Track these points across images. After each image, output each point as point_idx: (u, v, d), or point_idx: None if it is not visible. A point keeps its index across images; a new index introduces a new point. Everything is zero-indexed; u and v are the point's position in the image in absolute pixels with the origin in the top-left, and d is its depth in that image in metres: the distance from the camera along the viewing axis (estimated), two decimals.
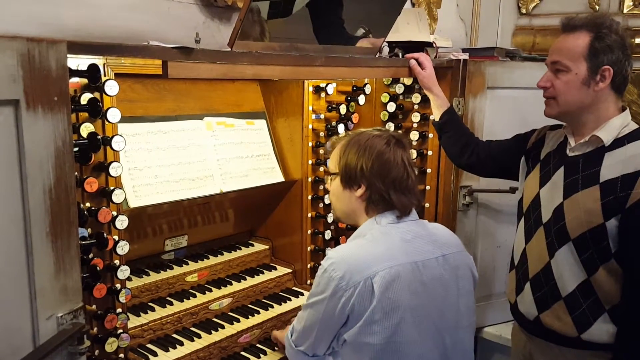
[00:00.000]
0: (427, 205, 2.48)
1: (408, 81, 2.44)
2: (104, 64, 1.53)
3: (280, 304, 2.20)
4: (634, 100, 2.99)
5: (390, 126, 2.52)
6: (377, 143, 1.57)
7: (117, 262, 1.60)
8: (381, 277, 1.44)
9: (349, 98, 2.42)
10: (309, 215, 2.37)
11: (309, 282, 2.41)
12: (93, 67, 1.45)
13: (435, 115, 2.24)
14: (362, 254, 1.50)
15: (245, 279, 2.26)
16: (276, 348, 1.97)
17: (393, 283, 1.45)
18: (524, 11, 3.34)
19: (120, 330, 1.60)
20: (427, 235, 1.60)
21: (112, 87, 1.52)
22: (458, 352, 1.58)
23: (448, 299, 1.56)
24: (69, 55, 1.21)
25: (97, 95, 1.51)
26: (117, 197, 1.56)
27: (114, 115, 1.52)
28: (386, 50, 2.41)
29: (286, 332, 1.73)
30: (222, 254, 2.31)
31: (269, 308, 2.16)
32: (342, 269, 1.44)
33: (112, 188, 1.56)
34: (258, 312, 2.12)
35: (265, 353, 1.97)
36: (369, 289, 1.43)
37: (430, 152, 2.44)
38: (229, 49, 1.67)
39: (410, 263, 1.50)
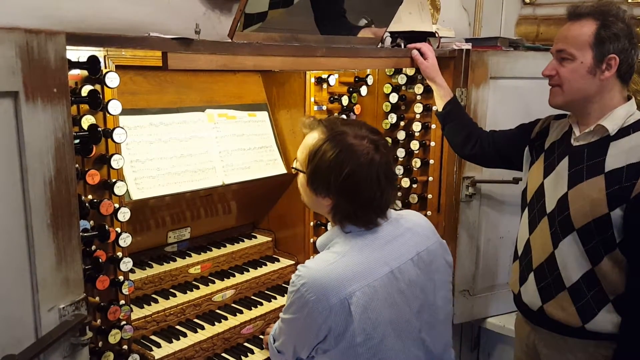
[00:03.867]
0: (429, 196, 2.48)
1: (410, 72, 2.43)
2: (104, 56, 1.52)
3: (283, 296, 2.20)
4: (639, 89, 2.96)
5: (393, 117, 2.51)
6: (355, 153, 1.40)
7: (119, 254, 1.60)
8: (357, 298, 1.35)
9: (351, 89, 2.41)
10: None
11: None
12: (93, 59, 1.44)
13: (438, 105, 2.23)
14: (336, 272, 1.37)
15: (248, 271, 2.26)
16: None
17: (371, 302, 1.37)
18: (527, 1, 3.31)
19: (124, 322, 1.61)
20: (401, 235, 1.50)
21: (112, 79, 1.51)
22: (439, 345, 1.53)
23: (426, 298, 1.50)
24: (68, 47, 1.21)
25: (97, 87, 1.50)
26: (119, 189, 1.56)
27: (115, 107, 1.52)
28: (388, 40, 2.40)
29: (268, 336, 1.68)
30: (225, 246, 2.31)
31: (272, 300, 2.16)
32: (316, 291, 1.34)
33: (114, 180, 1.55)
34: (261, 304, 2.13)
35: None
36: (346, 310, 1.34)
37: (433, 143, 2.43)
38: (229, 40, 1.66)
39: (387, 274, 1.42)
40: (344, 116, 2.38)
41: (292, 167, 1.55)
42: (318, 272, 1.38)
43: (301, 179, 1.53)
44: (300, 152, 1.52)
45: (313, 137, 1.48)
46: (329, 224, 2.40)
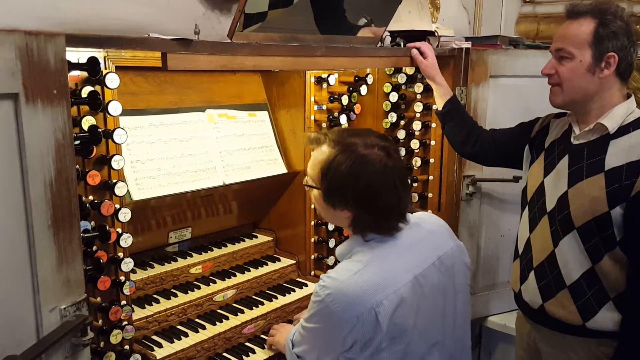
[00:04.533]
0: (430, 195, 2.48)
1: (410, 71, 2.43)
2: (104, 57, 1.53)
3: (284, 295, 2.20)
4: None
5: (393, 116, 2.51)
6: (368, 166, 1.39)
7: (120, 254, 1.60)
8: (385, 307, 1.34)
9: (351, 88, 2.41)
10: (312, 206, 2.37)
11: (312, 273, 2.42)
12: (93, 60, 1.45)
13: (438, 104, 2.23)
14: (361, 281, 1.36)
15: (249, 271, 2.26)
16: (273, 347, 1.92)
17: (398, 308, 1.37)
18: None
19: (125, 322, 1.61)
20: (421, 240, 1.50)
21: (112, 80, 1.51)
22: (458, 348, 1.55)
23: (447, 302, 1.50)
24: (68, 49, 1.21)
25: (98, 88, 1.51)
26: (119, 190, 1.56)
27: (115, 108, 1.52)
28: (388, 39, 2.40)
29: (284, 341, 1.66)
30: (226, 246, 2.32)
31: (273, 299, 2.17)
32: (342, 302, 1.33)
33: (114, 181, 1.56)
34: (262, 303, 2.13)
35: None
36: (373, 319, 1.34)
37: (433, 142, 2.43)
38: (229, 41, 1.67)
39: (410, 281, 1.41)
40: (345, 124, 2.37)
41: (305, 185, 1.54)
42: (343, 283, 1.36)
43: (316, 194, 1.50)
44: (310, 168, 1.50)
45: (322, 152, 1.45)
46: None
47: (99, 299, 1.56)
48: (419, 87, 2.41)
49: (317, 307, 1.39)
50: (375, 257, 1.42)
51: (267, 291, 2.24)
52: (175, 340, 1.84)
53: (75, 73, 1.46)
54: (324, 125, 2.35)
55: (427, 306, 1.44)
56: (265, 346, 1.95)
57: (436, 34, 2.36)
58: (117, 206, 1.57)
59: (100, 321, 1.57)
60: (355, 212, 1.43)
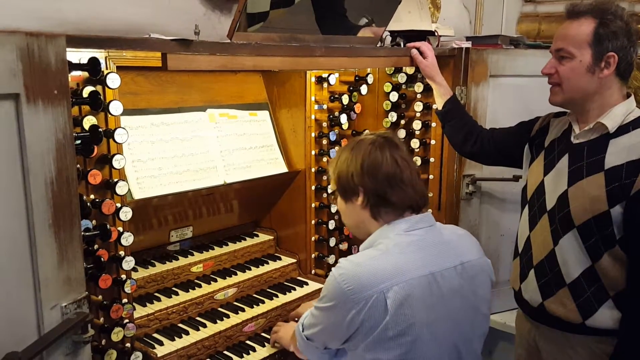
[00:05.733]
0: (430, 194, 2.48)
1: (410, 70, 2.43)
2: (105, 57, 1.54)
3: (285, 294, 2.21)
4: None
5: (393, 116, 2.52)
6: (362, 146, 1.53)
7: (122, 253, 1.62)
8: (395, 292, 1.36)
9: (351, 88, 2.42)
10: (313, 205, 2.38)
11: (313, 271, 2.43)
12: (93, 61, 1.46)
13: (438, 104, 2.23)
14: (375, 266, 1.40)
15: (250, 269, 2.27)
16: (276, 344, 1.94)
17: (408, 298, 1.38)
18: None
19: (127, 320, 1.62)
20: (444, 242, 1.52)
21: (113, 80, 1.52)
22: (470, 358, 1.54)
23: (465, 310, 1.49)
24: (69, 49, 1.23)
25: (99, 88, 1.52)
26: (120, 189, 1.57)
27: (116, 107, 1.53)
28: (389, 39, 2.40)
29: (288, 336, 1.72)
30: (227, 245, 2.33)
31: (274, 298, 2.18)
32: (354, 282, 1.37)
33: (115, 180, 1.57)
34: (263, 302, 2.14)
35: (269, 341, 1.98)
36: (382, 304, 1.36)
37: (433, 142, 2.44)
38: (229, 41, 1.67)
39: (426, 275, 1.42)
40: (345, 123, 2.41)
41: (329, 194, 1.64)
42: (358, 265, 1.42)
43: (339, 202, 1.62)
44: (331, 183, 1.65)
45: (332, 162, 1.63)
46: (331, 221, 2.41)
47: (100, 297, 1.57)
48: (419, 87, 2.42)
49: (330, 287, 1.43)
50: (394, 247, 1.46)
51: (268, 290, 2.25)
52: (176, 338, 1.85)
53: (76, 73, 1.47)
54: (324, 124, 2.36)
55: (444, 307, 1.44)
56: (269, 343, 1.96)
57: (436, 34, 2.36)
58: (118, 205, 1.58)
59: (101, 319, 1.59)
60: (364, 189, 1.51)
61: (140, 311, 1.87)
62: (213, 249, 2.28)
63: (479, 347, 1.57)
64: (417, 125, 2.44)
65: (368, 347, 1.39)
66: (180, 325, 1.95)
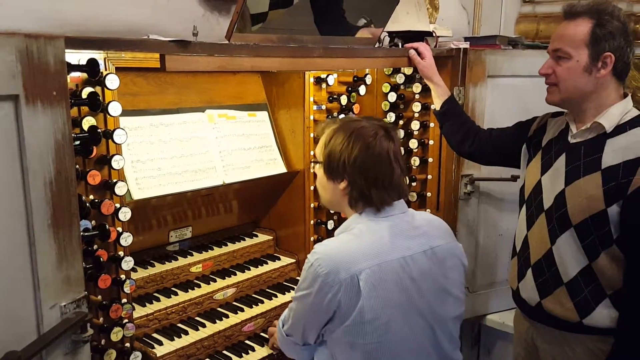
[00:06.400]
0: (429, 194, 2.49)
1: (409, 71, 2.44)
2: (104, 59, 1.54)
3: (284, 294, 2.22)
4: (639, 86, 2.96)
5: (391, 116, 2.53)
6: (364, 134, 1.52)
7: (121, 253, 1.62)
8: (367, 275, 1.42)
9: (349, 89, 2.42)
10: (312, 205, 2.39)
11: None
12: (92, 62, 1.46)
13: (436, 104, 2.24)
14: (348, 249, 1.46)
15: (249, 269, 2.28)
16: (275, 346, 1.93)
17: (380, 282, 1.43)
18: None
19: (126, 320, 1.63)
20: (415, 228, 1.57)
21: (112, 81, 1.53)
22: (447, 341, 1.57)
23: (435, 291, 1.54)
24: (68, 51, 1.23)
25: (98, 89, 1.53)
26: (119, 189, 1.58)
27: (115, 108, 1.54)
28: (387, 40, 2.41)
29: (277, 322, 1.74)
30: (226, 245, 2.34)
31: (273, 297, 2.18)
32: (328, 266, 1.42)
33: (114, 181, 1.58)
34: (262, 302, 2.15)
35: (268, 342, 1.99)
36: (355, 286, 1.41)
37: (431, 142, 2.45)
38: (227, 42, 1.68)
39: (398, 259, 1.48)
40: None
41: (311, 161, 1.66)
42: (332, 249, 1.47)
43: (319, 174, 1.62)
44: (317, 148, 1.64)
45: (327, 133, 1.60)
46: (330, 221, 2.42)
47: (99, 297, 1.58)
48: (417, 87, 2.42)
49: (306, 272, 1.48)
50: (367, 232, 1.51)
51: (267, 290, 2.25)
52: (175, 338, 1.86)
53: (75, 74, 1.48)
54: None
55: (414, 289, 1.49)
56: (268, 345, 1.96)
57: (434, 35, 2.37)
58: (117, 205, 1.58)
59: (101, 319, 1.59)
60: (350, 180, 1.53)
61: (139, 311, 1.87)
62: (212, 249, 2.28)
63: (455, 330, 1.61)
64: (415, 125, 2.45)
65: (345, 331, 1.43)
66: (179, 325, 1.95)
